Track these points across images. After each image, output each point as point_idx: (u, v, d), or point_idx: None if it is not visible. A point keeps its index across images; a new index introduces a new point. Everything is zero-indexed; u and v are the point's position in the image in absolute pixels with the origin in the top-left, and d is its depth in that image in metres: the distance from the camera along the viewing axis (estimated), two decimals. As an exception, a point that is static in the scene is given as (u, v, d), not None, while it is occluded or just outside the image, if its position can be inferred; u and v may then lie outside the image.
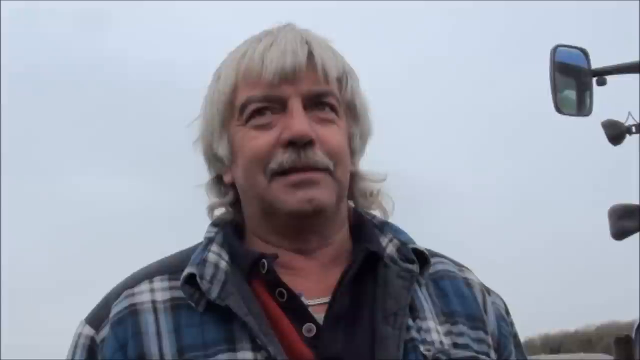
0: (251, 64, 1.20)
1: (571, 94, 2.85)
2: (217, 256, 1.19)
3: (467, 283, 1.28)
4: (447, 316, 1.22)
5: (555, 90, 2.79)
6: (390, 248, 1.23)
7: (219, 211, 1.29)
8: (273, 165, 1.17)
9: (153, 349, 1.14)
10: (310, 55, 1.20)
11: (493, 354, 1.23)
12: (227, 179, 1.26)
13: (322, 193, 1.18)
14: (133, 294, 1.19)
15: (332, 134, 1.20)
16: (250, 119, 1.20)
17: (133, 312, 1.17)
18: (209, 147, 1.25)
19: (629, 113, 2.84)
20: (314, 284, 1.19)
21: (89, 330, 1.20)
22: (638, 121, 2.87)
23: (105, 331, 1.18)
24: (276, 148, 1.18)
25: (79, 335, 1.21)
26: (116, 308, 1.19)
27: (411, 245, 1.23)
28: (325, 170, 1.18)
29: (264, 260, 1.17)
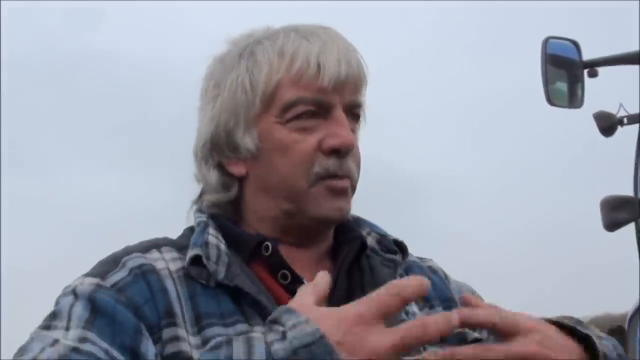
0: (306, 65, 1.19)
1: (562, 86, 2.85)
2: (216, 239, 1.19)
3: (432, 270, 1.35)
4: (425, 302, 1.28)
5: (547, 82, 2.80)
6: (369, 240, 1.27)
7: (211, 199, 1.27)
8: (318, 169, 1.19)
9: (177, 310, 1.12)
10: (358, 66, 1.23)
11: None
12: (237, 170, 1.25)
13: (348, 204, 1.23)
14: (147, 258, 1.16)
15: (358, 147, 1.25)
16: (292, 120, 1.20)
17: (154, 270, 1.14)
18: (227, 134, 1.23)
19: (621, 104, 2.84)
20: (308, 273, 1.21)
21: (92, 280, 1.13)
22: (629, 113, 2.87)
23: (117, 276, 1.13)
24: (317, 153, 1.20)
25: (77, 285, 1.12)
26: (133, 262, 1.14)
27: (392, 237, 1.28)
28: (350, 179, 1.22)
29: (267, 242, 1.19)
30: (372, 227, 1.31)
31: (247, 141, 1.22)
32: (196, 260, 1.17)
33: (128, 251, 1.19)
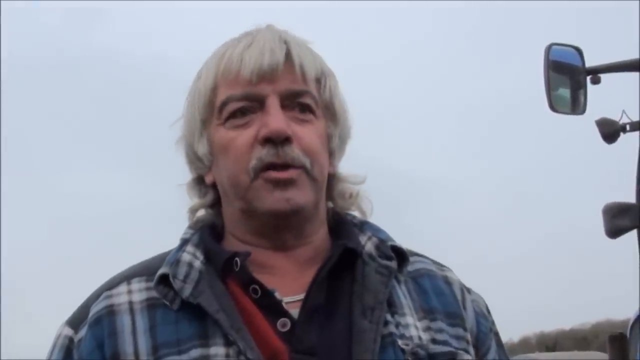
0: (230, 63, 1.21)
1: (565, 93, 2.85)
2: (191, 256, 1.21)
3: (447, 281, 1.30)
4: (426, 312, 1.23)
5: (550, 88, 2.80)
6: (368, 246, 1.24)
7: (200, 213, 1.30)
8: (254, 161, 1.19)
9: (128, 349, 1.16)
10: (289, 54, 1.22)
11: (471, 351, 1.24)
12: (208, 179, 1.27)
13: (300, 193, 1.19)
14: (111, 295, 1.21)
15: (309, 133, 1.22)
16: (229, 119, 1.21)
17: (110, 312, 1.20)
18: (190, 147, 1.27)
19: (623, 111, 2.85)
20: (290, 282, 1.21)
21: (68, 331, 1.22)
22: (632, 120, 2.87)
23: (83, 331, 1.20)
24: (255, 146, 1.19)
25: (59, 336, 1.23)
26: (94, 309, 1.21)
27: (390, 243, 1.24)
28: (302, 168, 1.19)
29: (236, 258, 1.19)
30: (375, 232, 1.27)
31: (201, 149, 1.25)
32: (164, 279, 1.19)
33: (98, 292, 1.24)
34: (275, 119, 1.19)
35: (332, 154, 1.27)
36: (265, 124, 1.19)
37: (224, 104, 1.22)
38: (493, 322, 1.32)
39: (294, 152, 1.19)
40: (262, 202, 1.19)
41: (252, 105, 1.21)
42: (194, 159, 1.27)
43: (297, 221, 1.22)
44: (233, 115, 1.21)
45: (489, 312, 1.33)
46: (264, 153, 1.18)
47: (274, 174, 1.18)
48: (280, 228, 1.22)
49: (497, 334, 1.32)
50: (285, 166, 1.19)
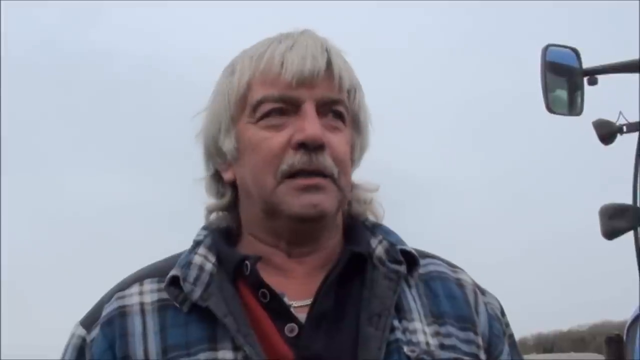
0: (270, 63, 1.21)
1: (562, 94, 2.85)
2: (203, 258, 1.21)
3: (460, 284, 1.29)
4: (436, 317, 1.23)
5: (547, 89, 2.80)
6: (379, 249, 1.24)
7: (215, 214, 1.29)
8: (284, 166, 1.19)
9: (138, 350, 1.17)
10: (329, 62, 1.22)
11: (483, 355, 1.23)
12: (227, 176, 1.27)
13: (327, 200, 1.20)
14: (123, 297, 1.23)
15: (340, 142, 1.23)
16: (262, 118, 1.21)
17: (122, 313, 1.21)
18: (213, 141, 1.26)
19: (620, 112, 2.85)
20: (301, 286, 1.21)
21: (81, 331, 1.24)
22: (629, 121, 2.87)
23: (95, 332, 1.21)
24: (287, 150, 1.20)
25: (72, 336, 1.25)
26: (107, 310, 1.22)
27: (399, 246, 1.24)
28: (330, 177, 1.20)
29: (246, 261, 1.19)
30: (387, 235, 1.26)
31: (227, 144, 1.24)
32: (175, 281, 1.20)
33: (111, 293, 1.25)
34: (312, 125, 1.19)
35: (352, 164, 1.28)
36: (301, 128, 1.19)
37: (260, 102, 1.21)
38: (507, 325, 1.32)
39: (326, 160, 1.20)
40: (288, 206, 1.19)
41: (288, 108, 1.21)
42: (215, 153, 1.27)
43: (317, 227, 1.23)
44: (267, 115, 1.21)
45: (503, 314, 1.32)
46: (296, 159, 1.19)
47: (300, 182, 1.19)
48: (302, 234, 1.23)
49: (511, 336, 1.31)
50: (315, 173, 1.19)
